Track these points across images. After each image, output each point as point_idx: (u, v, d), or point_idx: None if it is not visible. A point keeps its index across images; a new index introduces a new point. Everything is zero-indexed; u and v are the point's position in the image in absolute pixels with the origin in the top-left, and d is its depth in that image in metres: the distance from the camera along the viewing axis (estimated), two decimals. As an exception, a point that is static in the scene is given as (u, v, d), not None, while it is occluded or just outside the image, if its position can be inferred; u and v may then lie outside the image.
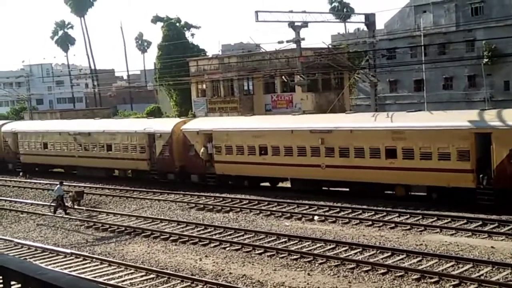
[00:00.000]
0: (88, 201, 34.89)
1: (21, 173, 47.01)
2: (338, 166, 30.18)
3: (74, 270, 21.02)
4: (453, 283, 17.37)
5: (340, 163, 30.09)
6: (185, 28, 71.58)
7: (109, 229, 27.68)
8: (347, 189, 31.79)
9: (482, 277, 17.68)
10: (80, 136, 43.40)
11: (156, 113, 69.56)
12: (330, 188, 32.43)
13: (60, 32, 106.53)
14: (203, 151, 35.61)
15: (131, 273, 20.43)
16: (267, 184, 36.01)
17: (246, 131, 34.25)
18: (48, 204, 33.17)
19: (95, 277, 20.15)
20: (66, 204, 32.34)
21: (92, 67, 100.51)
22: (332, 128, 30.73)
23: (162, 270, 20.37)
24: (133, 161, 39.60)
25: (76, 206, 32.95)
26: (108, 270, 20.97)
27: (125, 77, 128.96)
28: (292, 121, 34.07)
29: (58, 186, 32.37)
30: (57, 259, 22.93)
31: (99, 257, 22.70)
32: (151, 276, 19.96)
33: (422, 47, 59.16)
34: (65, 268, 21.23)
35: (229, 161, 34.68)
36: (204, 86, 54.00)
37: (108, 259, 22.34)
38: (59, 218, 30.76)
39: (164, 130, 37.84)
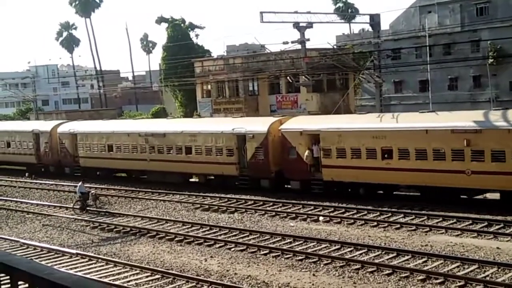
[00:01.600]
0: (90, 202, 34.83)
1: (26, 174, 47.13)
2: (489, 172, 25.84)
3: (80, 271, 21.05)
4: (458, 284, 17.34)
5: (493, 168, 25.69)
6: (189, 29, 71.59)
7: (115, 230, 27.73)
8: (498, 198, 27.35)
9: (488, 278, 17.65)
10: (153, 137, 39.04)
11: (161, 114, 69.63)
12: (473, 197, 28.51)
13: (65, 33, 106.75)
14: (307, 154, 31.46)
15: (137, 274, 20.47)
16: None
17: (365, 131, 29.72)
18: (73, 205, 33.24)
19: (100, 277, 20.18)
20: (89, 202, 32.77)
21: (98, 68, 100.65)
22: (481, 127, 26.31)
23: (167, 271, 20.41)
24: (218, 165, 35.33)
25: (96, 206, 33.10)
26: (114, 271, 21.01)
27: (130, 78, 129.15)
28: (425, 119, 29.14)
29: (80, 183, 32.98)
30: (62, 259, 22.99)
31: (105, 257, 22.74)
32: (157, 276, 19.99)
33: (427, 47, 59.09)
34: (71, 269, 21.27)
35: (341, 166, 30.34)
36: (209, 86, 53.99)
37: (113, 259, 22.37)
38: (65, 218, 30.85)
39: (257, 130, 33.75)
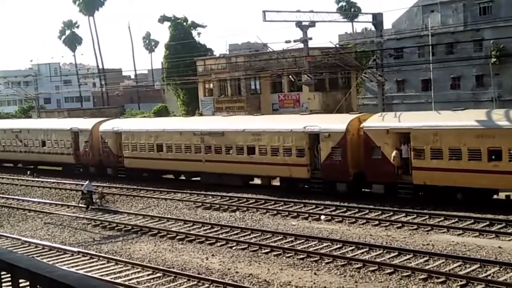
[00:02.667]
0: (95, 200, 34.90)
1: (28, 172, 47.19)
2: None
3: (81, 269, 21.09)
4: (460, 283, 17.33)
5: None
6: (192, 28, 71.62)
7: (116, 228, 27.75)
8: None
9: (490, 277, 17.64)
10: (210, 136, 36.00)
11: (163, 113, 69.66)
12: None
13: (68, 32, 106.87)
14: (395, 155, 28.60)
15: (138, 272, 20.49)
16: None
17: (467, 130, 26.73)
18: (78, 201, 33.61)
19: (102, 275, 20.18)
20: (94, 200, 33.18)
21: (100, 67, 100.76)
22: None
23: (168, 269, 20.41)
24: (286, 167, 32.42)
25: (102, 204, 33.45)
26: (115, 269, 21.04)
27: (132, 77, 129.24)
28: None
29: (88, 182, 33.27)
30: (64, 257, 23.02)
31: (106, 255, 22.76)
32: (158, 274, 20.00)
33: (430, 46, 59.03)
34: (72, 267, 21.30)
35: (436, 168, 27.38)
36: (211, 85, 54.04)
37: (115, 257, 22.40)
38: (66, 216, 30.89)
39: (334, 128, 30.74)
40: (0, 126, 54.73)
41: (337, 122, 31.47)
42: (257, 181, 35.67)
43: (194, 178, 38.29)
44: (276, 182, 35.02)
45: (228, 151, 35.08)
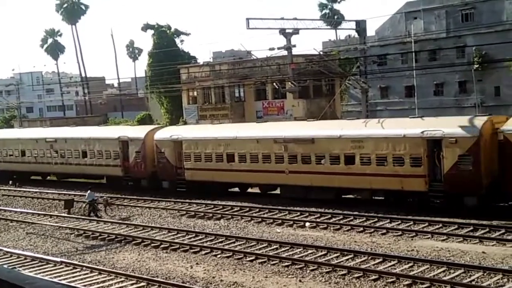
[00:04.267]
0: (78, 209, 34.68)
1: (10, 182, 46.71)
2: None
3: (64, 279, 20.80)
4: (444, 288, 17.38)
5: None
6: (175, 35, 71.53)
7: (99, 237, 27.50)
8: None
9: (474, 283, 17.68)
10: (296, 144, 31.47)
11: (147, 121, 69.37)
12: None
13: (50, 40, 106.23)
14: None
15: (122, 281, 20.30)
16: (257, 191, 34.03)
17: None
18: (84, 212, 33.39)
19: (85, 285, 20.01)
20: (99, 208, 33.14)
21: (83, 75, 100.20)
22: None
23: (152, 278, 20.25)
24: (397, 178, 28.03)
25: (108, 212, 33.38)
26: (98, 279, 20.81)
27: (115, 85, 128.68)
28: None
29: (89, 191, 33.09)
30: (47, 267, 22.71)
31: (89, 265, 22.52)
32: (142, 284, 19.83)
33: (413, 53, 59.46)
34: (55, 277, 21.02)
35: None
36: (195, 93, 53.92)
37: (98, 267, 22.17)
38: (49, 226, 30.59)
39: (463, 133, 26.38)
40: (31, 135, 49.51)
41: (465, 125, 26.89)
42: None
43: (272, 192, 34.30)
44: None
45: (319, 160, 30.58)
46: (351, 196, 31.52)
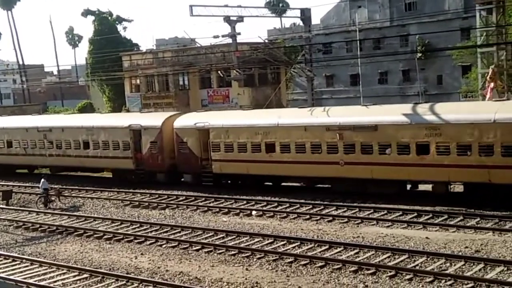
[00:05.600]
0: (17, 200, 33.64)
1: None
2: None
3: (3, 272, 20.27)
4: (389, 274, 17.56)
5: None
6: (117, 22, 70.16)
7: (40, 229, 26.78)
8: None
9: (418, 267, 17.94)
10: (354, 131, 27.70)
11: (88, 109, 67.99)
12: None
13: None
14: None
15: (64, 273, 19.89)
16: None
17: None
18: (36, 200, 32.56)
19: (25, 278, 19.54)
20: (51, 199, 32.44)
21: (20, 62, 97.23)
22: None
23: (96, 270, 19.86)
24: (484, 170, 24.37)
25: (59, 201, 32.67)
26: (39, 271, 20.37)
27: (55, 73, 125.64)
28: None
29: (43, 180, 32.12)
30: (-17, 261, 21.93)
31: (29, 257, 21.96)
32: (85, 276, 19.46)
33: (358, 42, 60.09)
34: (-8, 270, 20.33)
35: None
36: (138, 81, 52.95)
37: (39, 259, 21.66)
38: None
39: None
40: (19, 124, 43.68)
41: None
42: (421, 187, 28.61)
43: (320, 185, 30.91)
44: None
45: (382, 150, 26.96)
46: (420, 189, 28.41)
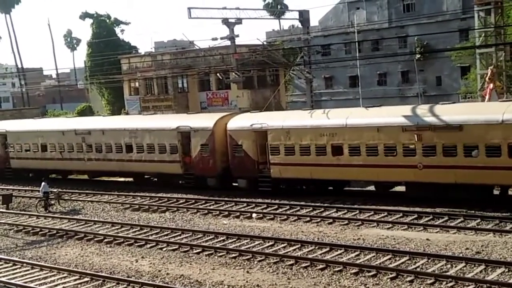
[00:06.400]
0: (17, 204, 33.63)
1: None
2: None
3: (4, 276, 20.25)
4: (390, 276, 17.55)
5: None
6: (115, 25, 70.22)
7: (40, 233, 26.73)
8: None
9: (418, 269, 17.93)
10: (433, 132, 25.37)
11: (87, 113, 67.97)
12: None
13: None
14: None
15: (64, 277, 19.87)
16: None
17: None
18: (36, 203, 32.62)
19: (26, 282, 19.52)
20: (51, 202, 32.37)
21: (19, 66, 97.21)
22: None
23: (96, 273, 19.85)
24: None
25: (59, 205, 32.66)
26: (40, 275, 20.34)
27: (54, 76, 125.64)
28: None
29: (44, 183, 31.97)
30: (-16, 265, 21.91)
31: (30, 261, 21.93)
32: (85, 279, 19.44)
33: (356, 43, 60.14)
34: (-7, 275, 20.30)
35: None
36: (137, 84, 52.94)
37: (39, 263, 21.63)
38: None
39: None
40: (55, 126, 41.72)
41: None
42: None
43: (392, 190, 29.15)
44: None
45: (468, 152, 24.69)
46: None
